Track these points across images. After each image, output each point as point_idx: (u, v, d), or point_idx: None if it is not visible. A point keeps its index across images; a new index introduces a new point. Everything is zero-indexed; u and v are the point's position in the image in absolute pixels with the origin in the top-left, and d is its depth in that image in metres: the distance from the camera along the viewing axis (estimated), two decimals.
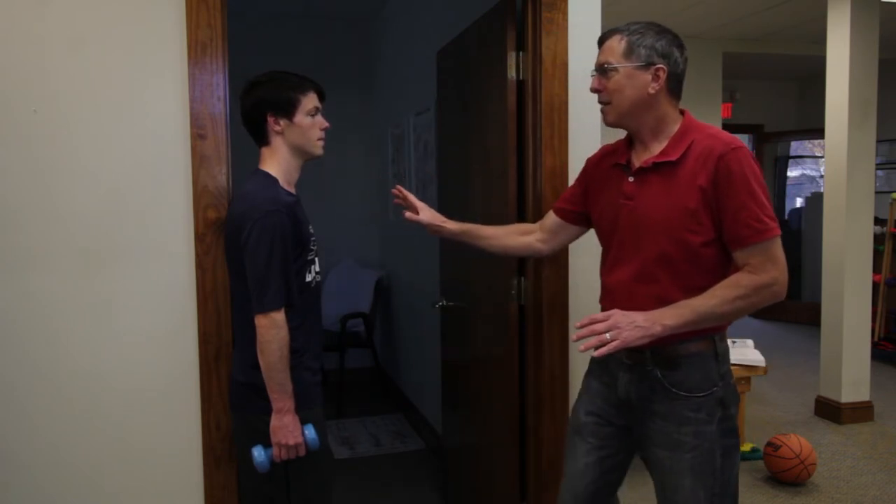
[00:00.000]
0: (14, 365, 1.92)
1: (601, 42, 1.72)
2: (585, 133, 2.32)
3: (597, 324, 1.56)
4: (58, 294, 1.93)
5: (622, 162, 1.75)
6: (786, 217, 8.26)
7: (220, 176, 2.00)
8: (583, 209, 1.92)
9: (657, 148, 1.70)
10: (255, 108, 1.86)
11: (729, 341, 4.10)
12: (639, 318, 1.56)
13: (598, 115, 2.30)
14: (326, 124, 1.93)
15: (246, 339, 1.84)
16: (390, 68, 4.94)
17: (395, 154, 4.77)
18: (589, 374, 1.89)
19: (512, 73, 2.36)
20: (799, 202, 8.88)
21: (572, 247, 2.31)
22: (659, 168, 1.67)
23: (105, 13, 1.93)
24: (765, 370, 3.82)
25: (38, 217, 1.91)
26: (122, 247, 1.96)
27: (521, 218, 2.37)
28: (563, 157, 2.29)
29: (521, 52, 2.36)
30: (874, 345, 5.18)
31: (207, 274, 1.99)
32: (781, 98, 7.98)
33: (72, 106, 1.92)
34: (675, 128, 1.70)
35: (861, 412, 4.38)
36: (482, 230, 2.09)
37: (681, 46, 1.69)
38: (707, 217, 1.60)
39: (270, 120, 1.85)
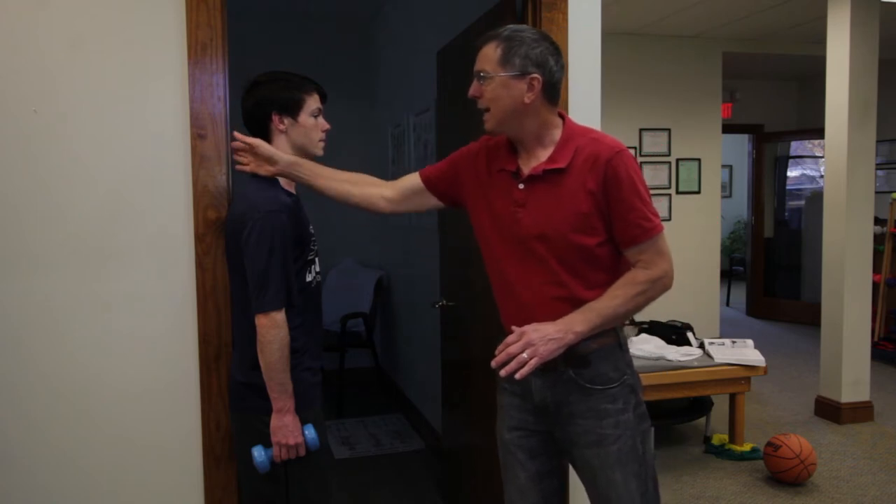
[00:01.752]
0: (14, 365, 1.92)
1: (479, 48, 1.70)
2: None
3: (511, 346, 1.59)
4: (58, 294, 1.93)
5: (511, 169, 1.73)
6: (786, 217, 8.26)
7: (220, 176, 2.00)
8: (451, 193, 1.90)
9: (543, 154, 1.70)
10: (259, 107, 1.86)
11: (728, 341, 4.12)
12: (550, 330, 1.60)
13: (598, 114, 2.32)
14: (327, 126, 1.93)
15: (246, 339, 1.83)
16: (390, 68, 4.94)
17: (396, 154, 4.77)
18: (500, 390, 1.89)
19: None
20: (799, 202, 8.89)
21: None
22: (548, 175, 1.68)
23: (105, 13, 1.92)
24: (765, 370, 3.82)
25: (38, 217, 1.91)
26: (122, 247, 1.96)
27: None
28: None
29: None
30: (874, 345, 5.18)
31: (207, 274, 1.99)
32: (781, 98, 7.98)
33: (72, 106, 1.92)
34: (558, 133, 1.71)
35: (861, 412, 4.38)
36: (317, 168, 1.92)
37: (556, 54, 1.68)
38: (599, 220, 1.65)
39: (275, 118, 1.85)
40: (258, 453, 1.78)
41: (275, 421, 1.78)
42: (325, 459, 1.92)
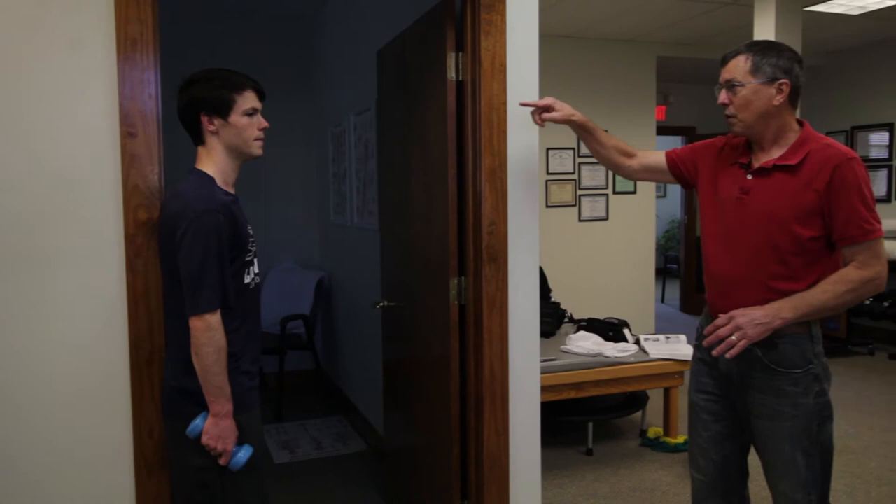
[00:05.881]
0: None
1: (725, 60, 1.95)
2: (524, 133, 2.35)
3: (721, 329, 1.83)
4: None
5: (743, 161, 1.98)
6: None
7: (152, 175, 1.94)
8: (689, 176, 2.17)
9: (777, 152, 1.92)
10: (189, 108, 1.83)
11: (663, 337, 4.23)
12: (758, 314, 1.81)
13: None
14: (265, 124, 1.89)
15: (179, 342, 1.79)
16: (331, 67, 4.89)
17: (336, 153, 4.73)
18: (694, 357, 2.15)
19: (451, 74, 2.37)
20: None
21: (512, 245, 2.33)
22: (778, 169, 1.89)
23: (28, 5, 1.84)
24: None
25: None
26: (48, 250, 1.88)
27: (462, 220, 2.38)
28: (503, 157, 2.31)
29: (460, 53, 2.37)
30: None
31: (138, 277, 1.92)
32: (713, 101, 8.18)
33: None
34: (794, 136, 1.92)
35: None
36: (599, 134, 2.29)
37: (800, 62, 1.91)
38: (818, 216, 1.83)
39: (204, 119, 1.81)
40: (200, 420, 1.74)
41: (211, 425, 1.74)
42: (263, 465, 1.89)
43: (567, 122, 2.23)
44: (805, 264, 1.85)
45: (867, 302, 6.10)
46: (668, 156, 2.23)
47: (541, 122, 2.22)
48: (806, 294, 1.82)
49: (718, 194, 2.02)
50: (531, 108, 2.23)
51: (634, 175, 2.29)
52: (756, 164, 1.95)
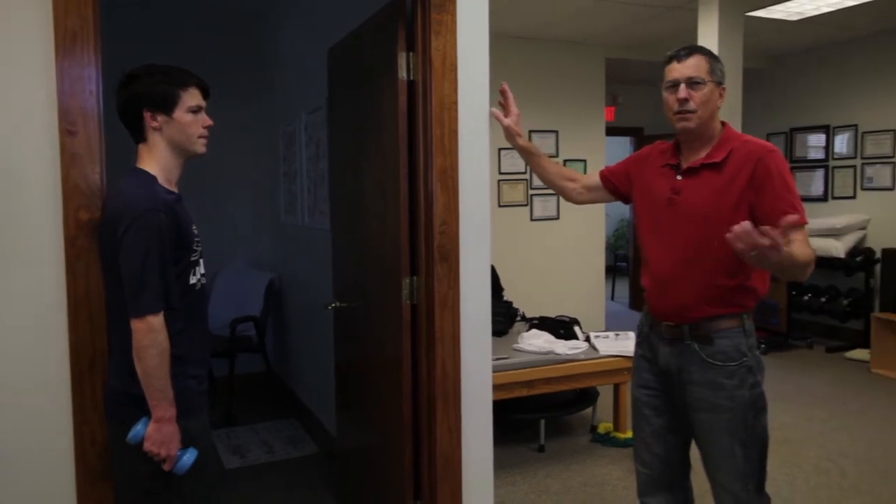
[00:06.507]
0: None
1: (681, 58, 2.01)
2: (475, 133, 2.36)
3: (759, 238, 1.64)
4: None
5: (673, 163, 2.08)
6: None
7: (94, 175, 1.88)
8: (623, 189, 2.28)
9: (703, 152, 2.02)
10: (131, 103, 1.77)
11: (612, 334, 4.31)
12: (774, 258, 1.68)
13: (486, 115, 2.37)
14: (209, 122, 1.85)
15: (123, 345, 1.73)
16: (281, 65, 4.82)
17: (287, 152, 4.67)
18: (636, 354, 2.21)
19: (402, 74, 2.36)
20: None
21: (463, 244, 2.34)
22: (705, 168, 1.99)
23: None
24: None
25: None
26: None
27: (413, 218, 2.38)
28: (454, 157, 2.32)
29: (411, 53, 2.36)
30: None
31: (79, 279, 1.86)
32: (660, 102, 8.42)
33: None
34: (717, 137, 2.03)
35: None
36: (542, 160, 2.41)
37: None
38: (745, 210, 1.90)
39: (147, 115, 1.77)
40: (142, 426, 1.70)
41: (154, 430, 1.69)
42: (211, 470, 1.85)
43: (511, 138, 2.31)
44: (739, 259, 1.86)
45: (805, 298, 6.34)
46: (601, 173, 2.34)
47: (494, 114, 2.32)
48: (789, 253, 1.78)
49: (652, 197, 2.11)
50: (501, 99, 2.32)
51: (579, 197, 2.39)
52: (685, 165, 2.05)
